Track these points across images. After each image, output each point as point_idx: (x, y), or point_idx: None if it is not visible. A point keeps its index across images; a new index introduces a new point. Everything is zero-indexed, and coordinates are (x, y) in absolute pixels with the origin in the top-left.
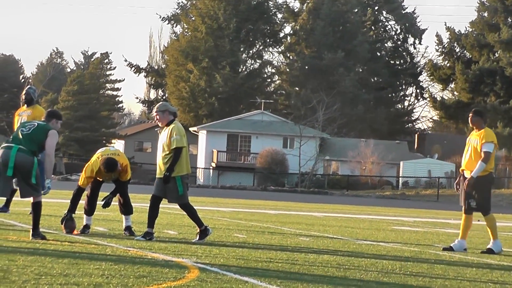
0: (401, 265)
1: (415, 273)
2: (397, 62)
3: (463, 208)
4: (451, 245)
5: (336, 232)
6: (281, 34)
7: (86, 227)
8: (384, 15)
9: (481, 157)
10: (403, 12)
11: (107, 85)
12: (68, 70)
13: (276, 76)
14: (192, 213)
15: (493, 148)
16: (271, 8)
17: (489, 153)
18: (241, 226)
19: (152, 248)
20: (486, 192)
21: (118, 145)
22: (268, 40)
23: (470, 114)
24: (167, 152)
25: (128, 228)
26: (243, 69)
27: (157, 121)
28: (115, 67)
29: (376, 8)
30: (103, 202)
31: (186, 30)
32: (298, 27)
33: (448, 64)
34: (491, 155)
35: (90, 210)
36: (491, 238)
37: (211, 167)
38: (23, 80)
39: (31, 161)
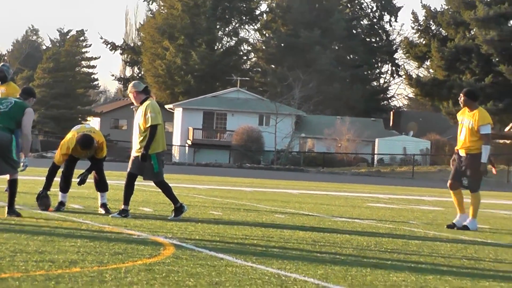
0: (376, 241)
1: (390, 250)
2: (373, 40)
3: (449, 183)
4: (465, 223)
5: (311, 209)
6: (258, 12)
7: (61, 204)
8: None
9: (476, 136)
10: None
11: (82, 62)
12: (44, 47)
13: (252, 53)
14: (167, 191)
15: (490, 129)
16: None
17: (488, 134)
18: (216, 203)
19: (128, 225)
20: (479, 171)
21: (94, 122)
22: (244, 18)
23: (461, 95)
24: (143, 131)
25: (103, 205)
26: (219, 47)
27: (132, 100)
28: (91, 44)
29: None
30: (78, 180)
31: (162, 8)
32: (274, 5)
33: (424, 42)
34: (490, 135)
35: (65, 187)
36: (470, 216)
37: (186, 145)
38: None
39: (9, 139)
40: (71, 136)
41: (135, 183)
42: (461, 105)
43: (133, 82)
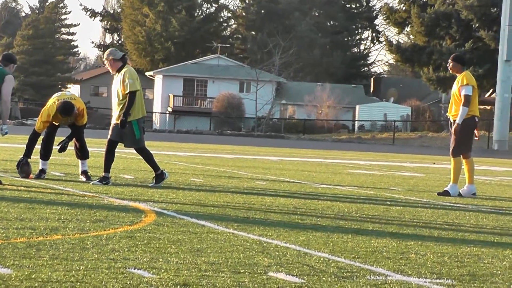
0: (357, 208)
1: (371, 216)
2: (353, 6)
3: (450, 152)
4: (460, 191)
5: (292, 176)
6: None
7: (42, 171)
8: None
9: (461, 101)
10: None
11: (62, 29)
12: (23, 14)
13: (232, 20)
14: (148, 157)
15: (472, 90)
16: None
17: (468, 95)
18: (197, 170)
19: (109, 192)
20: (463, 136)
21: (74, 89)
22: None
23: (450, 61)
24: (121, 98)
25: (84, 173)
26: (199, 13)
27: (108, 68)
28: (70, 11)
29: None
30: (59, 147)
31: None
32: None
33: (403, 8)
34: (472, 98)
35: (45, 154)
36: (451, 181)
37: (167, 112)
38: None
39: None
40: (52, 103)
41: (116, 150)
42: (450, 71)
43: (109, 49)
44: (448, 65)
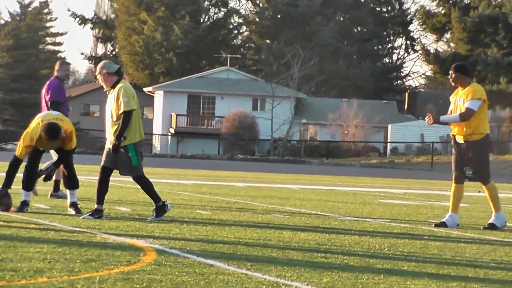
0: (390, 244)
1: (406, 253)
2: (384, 9)
3: (453, 176)
4: (443, 220)
5: (314, 207)
6: None
7: (25, 204)
8: None
9: (474, 117)
10: None
11: (47, 39)
12: (2, 22)
13: (244, 26)
14: (147, 187)
15: (479, 105)
16: None
17: (471, 110)
18: (204, 201)
19: (102, 227)
20: (484, 157)
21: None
22: None
23: (451, 72)
24: (116, 118)
25: (73, 205)
26: (206, 19)
27: (102, 83)
28: (56, 18)
29: None
30: (43, 175)
31: None
32: None
33: (442, 11)
34: (482, 114)
35: (28, 184)
36: (493, 211)
37: (169, 133)
38: None
39: None
40: (35, 125)
41: (110, 178)
42: (452, 83)
43: (102, 62)
44: (449, 76)
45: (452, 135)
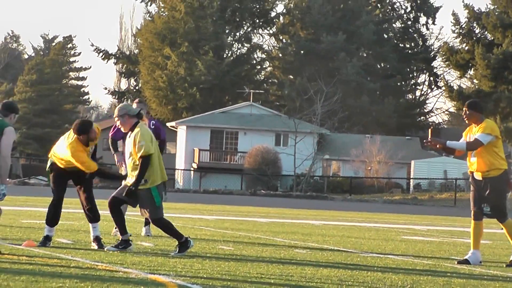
0: (413, 280)
1: None
2: (407, 46)
3: (472, 213)
4: (466, 257)
5: (337, 243)
6: (273, 14)
7: (47, 238)
8: None
9: (485, 151)
10: None
11: (70, 73)
12: (26, 56)
13: (267, 62)
14: (167, 227)
15: (489, 140)
16: None
17: (479, 142)
18: (227, 236)
19: (124, 262)
20: (502, 194)
21: None
22: (257, 21)
23: (464, 109)
24: (137, 162)
25: (96, 239)
26: (229, 55)
27: (120, 126)
28: (80, 52)
29: None
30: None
31: (162, 10)
32: (292, 5)
33: (466, 48)
34: (497, 150)
35: (53, 219)
36: None
37: (192, 169)
38: None
39: None
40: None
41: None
42: (466, 120)
43: (122, 104)
44: (463, 113)
45: (470, 171)
